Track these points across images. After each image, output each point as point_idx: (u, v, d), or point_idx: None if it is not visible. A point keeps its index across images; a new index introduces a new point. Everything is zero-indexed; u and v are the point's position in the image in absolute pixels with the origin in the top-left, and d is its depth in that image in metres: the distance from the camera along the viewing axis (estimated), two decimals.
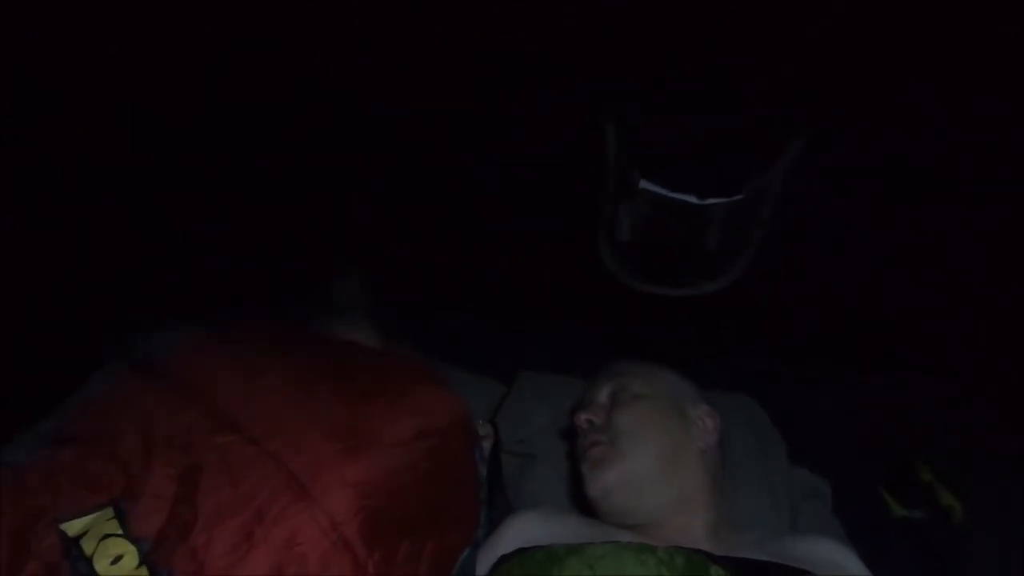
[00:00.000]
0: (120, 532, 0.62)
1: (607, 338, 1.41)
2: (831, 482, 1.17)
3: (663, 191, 1.09)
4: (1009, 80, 0.96)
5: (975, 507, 1.18)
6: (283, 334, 0.91)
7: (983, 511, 1.19)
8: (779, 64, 0.99)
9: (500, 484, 1.17)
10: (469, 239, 1.38)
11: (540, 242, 1.34)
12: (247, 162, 1.28)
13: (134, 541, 0.62)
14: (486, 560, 0.85)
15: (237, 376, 0.77)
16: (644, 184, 1.09)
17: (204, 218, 1.32)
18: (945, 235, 1.20)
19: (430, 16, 1.04)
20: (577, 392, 1.16)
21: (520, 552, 0.82)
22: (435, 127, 1.21)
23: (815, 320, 1.35)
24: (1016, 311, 1.21)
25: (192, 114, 1.18)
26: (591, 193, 1.18)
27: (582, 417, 0.98)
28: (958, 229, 1.19)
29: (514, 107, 1.15)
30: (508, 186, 1.27)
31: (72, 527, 0.63)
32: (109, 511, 0.64)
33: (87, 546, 0.61)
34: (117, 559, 0.61)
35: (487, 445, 0.99)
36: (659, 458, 0.91)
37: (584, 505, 1.06)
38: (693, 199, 1.09)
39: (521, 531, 0.89)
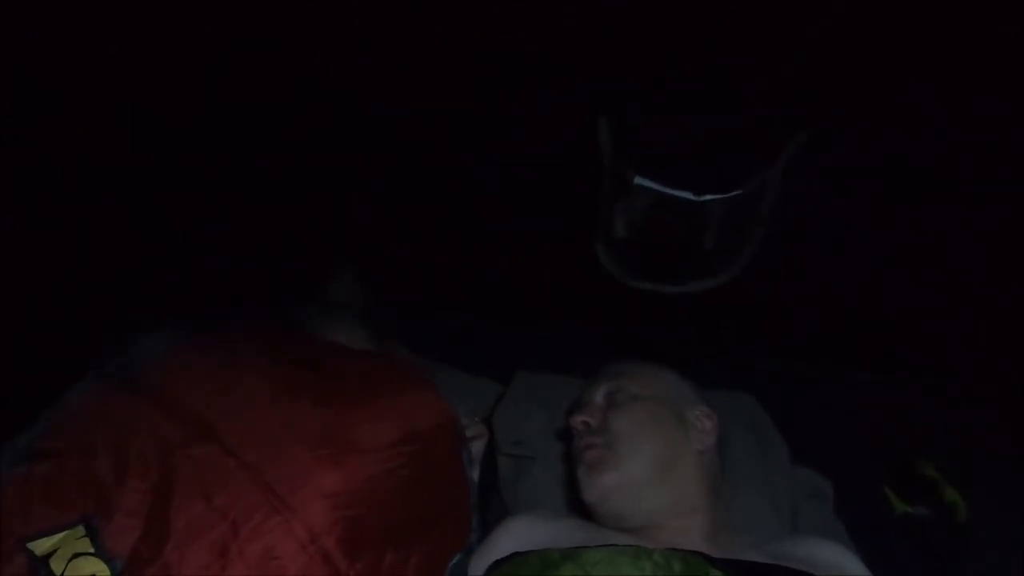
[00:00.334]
0: (91, 551, 0.60)
1: (605, 338, 1.40)
2: (833, 482, 1.15)
3: (659, 187, 1.08)
4: (1009, 80, 0.95)
5: (979, 504, 1.17)
6: (265, 339, 0.89)
7: (987, 508, 1.18)
8: (778, 63, 0.98)
9: (495, 486, 1.16)
10: (465, 238, 1.38)
11: (537, 241, 1.33)
12: (246, 162, 1.27)
13: (107, 560, 0.60)
14: (480, 564, 0.84)
15: (214, 386, 0.76)
16: (639, 180, 1.08)
17: (202, 218, 1.31)
18: (946, 234, 1.19)
19: (429, 16, 1.03)
20: (574, 392, 1.15)
21: (514, 556, 0.81)
22: (432, 126, 1.21)
23: (816, 319, 1.34)
24: (1017, 309, 1.20)
25: (189, 114, 1.18)
26: (588, 192, 1.17)
27: (578, 419, 0.97)
28: (958, 229, 1.18)
29: (510, 106, 1.14)
30: (504, 185, 1.27)
31: (39, 546, 0.61)
32: (80, 529, 0.62)
33: (56, 566, 0.59)
34: None
35: (480, 445, 0.97)
36: (656, 461, 0.90)
37: (580, 507, 1.05)
38: (690, 196, 1.08)
39: (516, 535, 0.88)
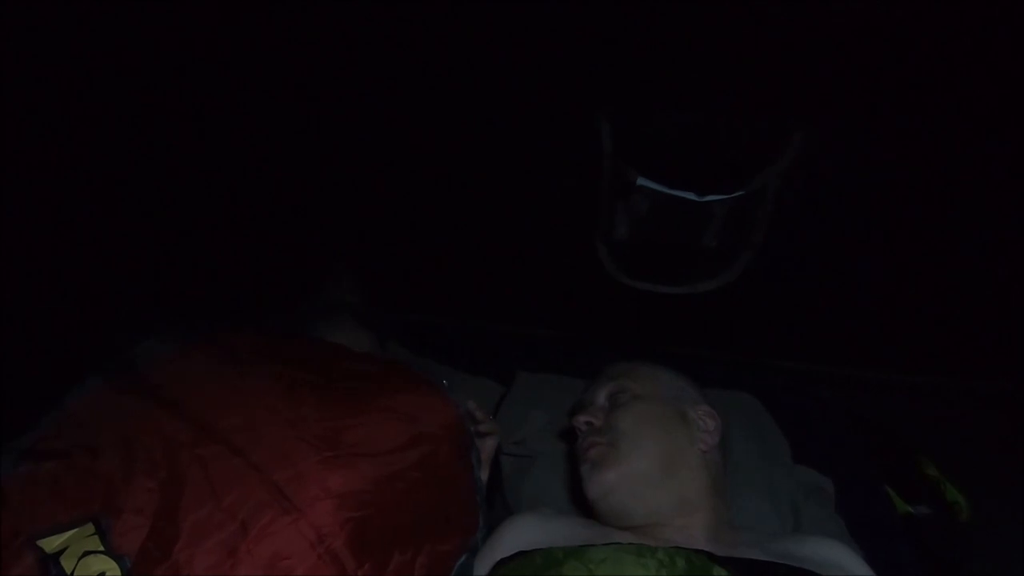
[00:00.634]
0: (101, 549, 0.61)
1: (606, 338, 1.40)
2: (834, 480, 1.15)
3: (662, 188, 1.08)
4: (1010, 80, 0.95)
5: (980, 503, 1.17)
6: (270, 342, 0.89)
7: (988, 507, 1.18)
8: (780, 63, 0.99)
9: (498, 485, 1.16)
10: (466, 239, 1.38)
11: (538, 242, 1.33)
12: (246, 164, 1.28)
13: (116, 558, 0.61)
14: (484, 563, 0.84)
15: (219, 386, 0.76)
16: (642, 181, 1.08)
17: (203, 220, 1.31)
18: (947, 235, 1.20)
19: (433, 19, 1.03)
20: (576, 392, 1.15)
21: (519, 555, 0.81)
22: (432, 129, 1.21)
23: (818, 318, 1.35)
24: (1019, 310, 1.20)
25: (189, 116, 1.18)
26: (589, 193, 1.17)
27: (581, 419, 0.97)
28: (960, 229, 1.19)
29: (512, 109, 1.15)
30: (506, 186, 1.27)
31: (49, 543, 0.61)
32: (89, 527, 0.62)
33: (67, 563, 0.59)
34: None
35: (492, 443, 0.97)
36: (659, 459, 0.90)
37: (583, 506, 1.05)
38: (692, 196, 1.08)
39: (519, 534, 0.88)
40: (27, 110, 1.03)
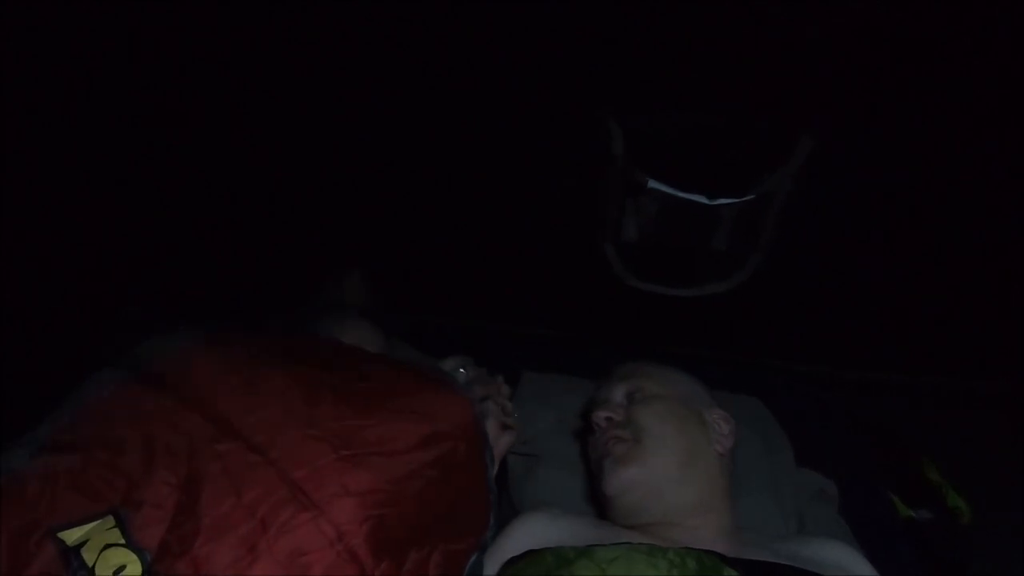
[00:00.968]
0: (122, 542, 0.61)
1: (612, 339, 1.41)
2: (837, 483, 1.16)
3: (672, 191, 1.08)
4: (1012, 81, 0.96)
5: (982, 508, 1.18)
6: (285, 340, 0.89)
7: (990, 508, 1.19)
8: (789, 67, 0.99)
9: (504, 484, 1.16)
10: (475, 240, 1.38)
11: (544, 242, 1.33)
12: (251, 163, 1.28)
13: (137, 551, 0.61)
14: (493, 561, 0.84)
15: (238, 383, 0.76)
16: (653, 184, 1.08)
17: (202, 219, 1.31)
18: (949, 237, 1.21)
19: (436, 16, 1.03)
20: (583, 393, 1.15)
21: (529, 554, 0.81)
22: (440, 129, 1.21)
23: (821, 321, 1.35)
24: (1020, 310, 1.21)
25: (196, 114, 1.18)
26: (598, 195, 1.18)
27: (601, 415, 0.97)
28: (961, 231, 1.19)
29: (521, 110, 1.15)
30: (514, 187, 1.27)
31: (70, 536, 0.62)
32: (110, 520, 0.63)
33: (88, 556, 0.60)
34: (119, 570, 0.59)
35: (507, 440, 0.97)
36: (680, 457, 0.90)
37: (590, 505, 1.06)
38: (703, 199, 1.08)
39: (529, 532, 0.88)
40: (27, 110, 1.03)
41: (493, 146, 1.23)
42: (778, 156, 1.08)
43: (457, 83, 1.15)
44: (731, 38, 1.01)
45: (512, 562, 0.82)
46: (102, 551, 0.60)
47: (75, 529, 0.62)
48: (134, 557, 0.61)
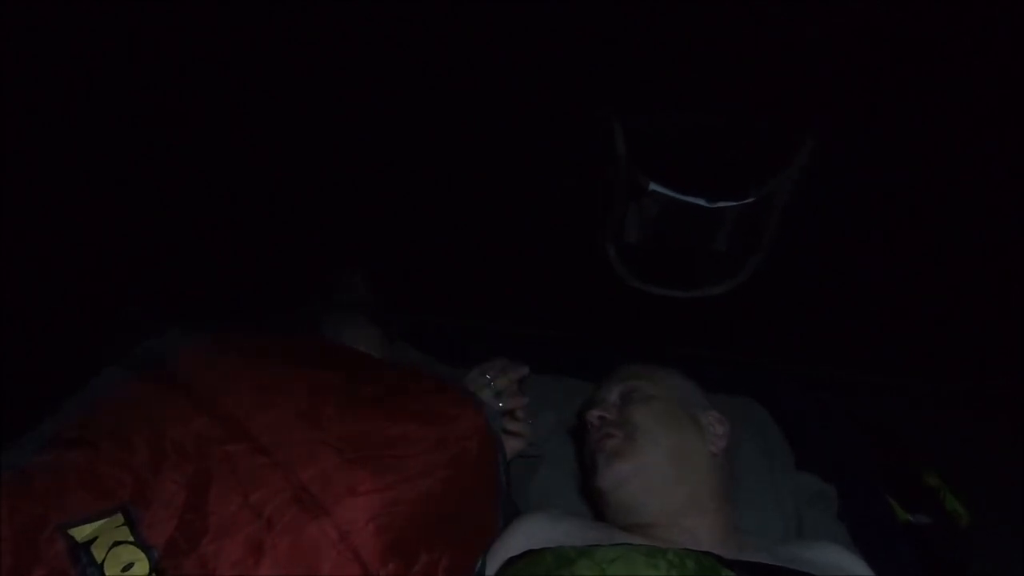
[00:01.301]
0: (131, 539, 0.61)
1: (612, 340, 1.41)
2: (836, 487, 1.16)
3: (673, 193, 1.09)
4: (1012, 81, 0.96)
5: (982, 509, 1.18)
6: (294, 342, 0.90)
7: (989, 510, 1.19)
8: (791, 70, 0.99)
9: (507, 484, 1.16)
10: (476, 241, 1.38)
11: (545, 243, 1.33)
12: (251, 162, 1.27)
13: (145, 549, 0.61)
14: (494, 561, 0.84)
15: (248, 384, 0.76)
16: (654, 186, 1.09)
17: (203, 219, 1.31)
18: (950, 236, 1.21)
19: (438, 17, 1.03)
20: (583, 394, 1.15)
21: (529, 554, 0.81)
22: (442, 130, 1.21)
23: (820, 323, 1.35)
24: (1020, 312, 1.21)
25: (196, 114, 1.18)
26: (597, 196, 1.18)
27: (594, 414, 0.98)
28: (961, 230, 1.19)
29: (524, 112, 1.15)
30: (515, 188, 1.27)
31: (80, 532, 0.62)
32: (119, 517, 0.63)
33: (97, 553, 0.60)
34: (128, 567, 0.60)
35: (517, 445, 0.97)
36: (672, 456, 0.91)
37: (590, 507, 1.06)
38: (703, 202, 1.09)
39: (529, 532, 0.88)
40: (27, 110, 1.03)
41: (494, 146, 1.24)
42: (779, 157, 1.08)
43: (458, 83, 1.15)
44: (732, 38, 1.01)
45: (512, 562, 0.82)
46: (111, 548, 0.61)
47: (85, 526, 0.63)
48: (142, 555, 0.61)
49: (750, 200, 1.09)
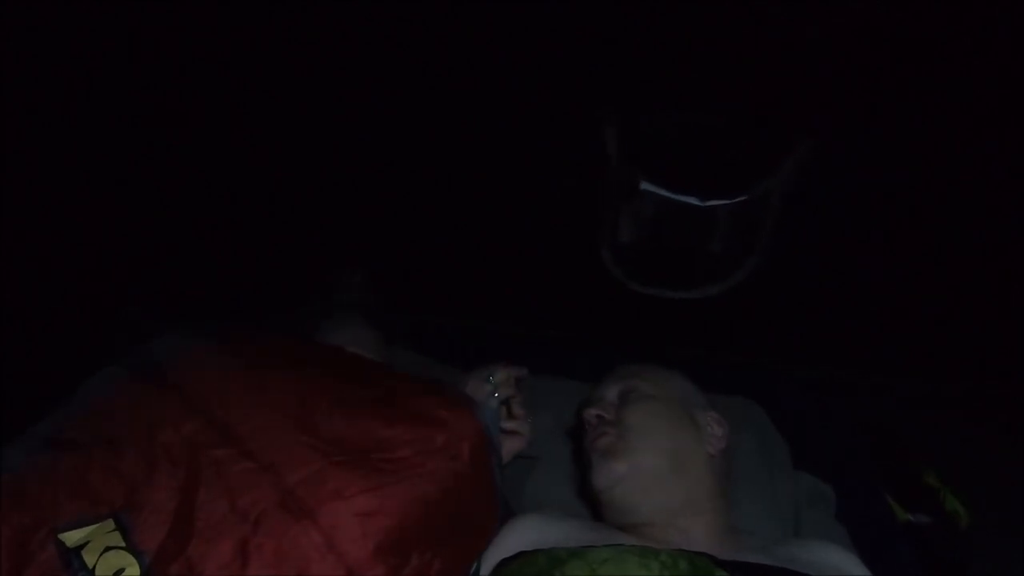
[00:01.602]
0: (122, 544, 0.62)
1: (609, 341, 1.41)
2: (836, 486, 1.16)
3: (666, 193, 1.08)
4: (1012, 81, 0.96)
5: (982, 509, 1.18)
6: (289, 345, 0.90)
7: (989, 510, 1.18)
8: (784, 69, 0.99)
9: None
10: (472, 242, 1.38)
11: (542, 244, 1.33)
12: (251, 162, 1.28)
13: (136, 554, 0.62)
14: (487, 563, 0.84)
15: (240, 388, 0.76)
16: (646, 186, 1.08)
17: (203, 219, 1.31)
18: (950, 236, 1.20)
19: (433, 17, 1.03)
20: (581, 394, 1.15)
21: (521, 555, 0.81)
22: (437, 131, 1.21)
23: (819, 323, 1.35)
24: (1019, 313, 1.21)
25: (196, 114, 1.18)
26: (593, 196, 1.18)
27: (592, 412, 0.98)
28: (961, 230, 1.19)
29: (518, 112, 1.15)
30: (510, 189, 1.27)
31: (71, 537, 0.62)
32: (110, 523, 0.63)
33: (89, 558, 0.61)
34: (119, 572, 0.60)
35: (517, 444, 0.97)
36: (668, 456, 0.90)
37: (587, 508, 1.06)
38: (696, 201, 1.08)
39: (522, 534, 0.88)
40: (27, 110, 1.03)
41: (493, 146, 1.23)
42: (776, 157, 1.08)
43: (457, 83, 1.15)
44: (731, 38, 1.01)
45: (504, 563, 0.82)
46: (103, 553, 0.61)
47: (76, 531, 0.63)
48: (133, 560, 0.61)
49: (743, 199, 1.08)
